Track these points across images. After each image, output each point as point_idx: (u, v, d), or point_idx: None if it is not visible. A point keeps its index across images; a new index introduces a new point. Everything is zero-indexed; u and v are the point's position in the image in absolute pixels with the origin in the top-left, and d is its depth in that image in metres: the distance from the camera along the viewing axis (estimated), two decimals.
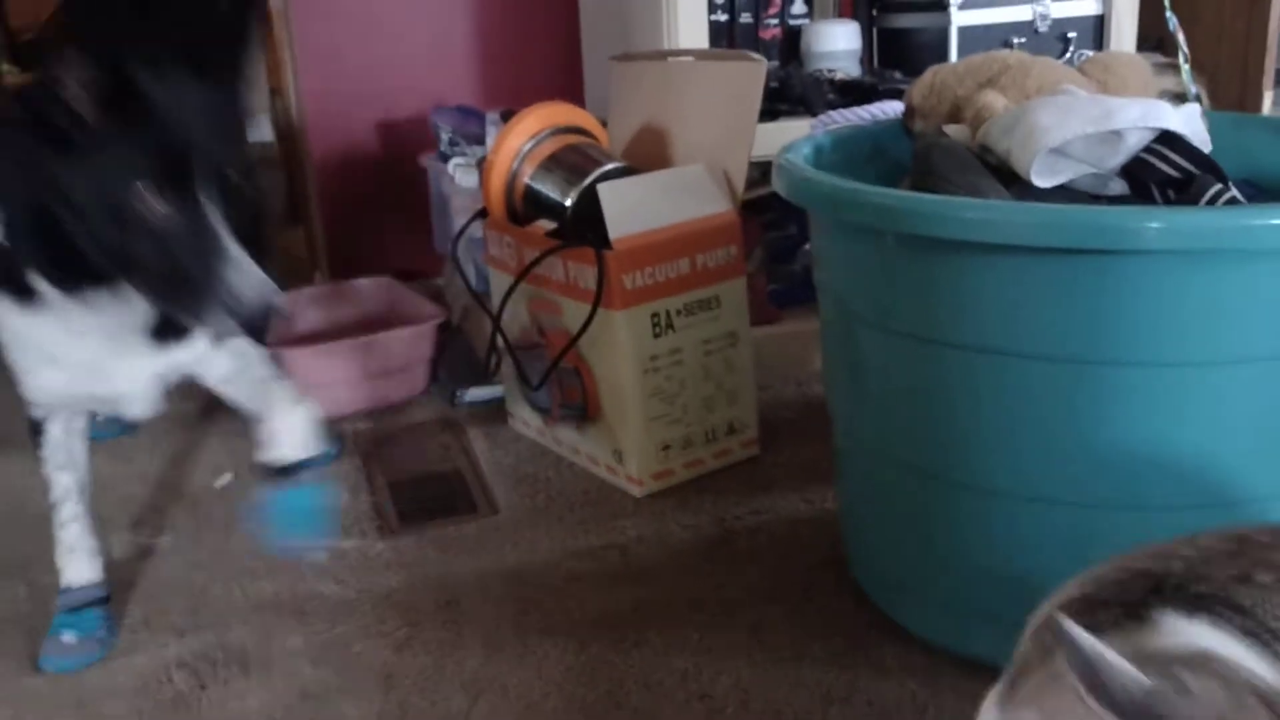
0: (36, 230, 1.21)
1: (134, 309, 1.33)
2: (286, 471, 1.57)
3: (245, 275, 1.18)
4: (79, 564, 1.55)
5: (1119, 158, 1.39)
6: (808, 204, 1.40)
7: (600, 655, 1.46)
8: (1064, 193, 1.38)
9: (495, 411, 2.21)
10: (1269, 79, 2.66)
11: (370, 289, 2.57)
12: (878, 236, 1.29)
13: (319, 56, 2.88)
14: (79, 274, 1.25)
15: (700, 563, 1.67)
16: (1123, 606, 0.76)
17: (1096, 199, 1.39)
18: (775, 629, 1.50)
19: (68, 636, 1.50)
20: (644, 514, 1.82)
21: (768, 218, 2.36)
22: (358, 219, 2.99)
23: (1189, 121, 1.41)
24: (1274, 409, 1.19)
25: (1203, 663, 0.68)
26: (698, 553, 1.70)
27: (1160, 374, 1.16)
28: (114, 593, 1.60)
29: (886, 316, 1.32)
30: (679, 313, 1.85)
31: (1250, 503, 1.19)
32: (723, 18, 2.52)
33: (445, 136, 2.67)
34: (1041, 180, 1.35)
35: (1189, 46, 2.19)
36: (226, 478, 2.00)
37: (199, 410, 2.26)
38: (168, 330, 1.38)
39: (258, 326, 1.19)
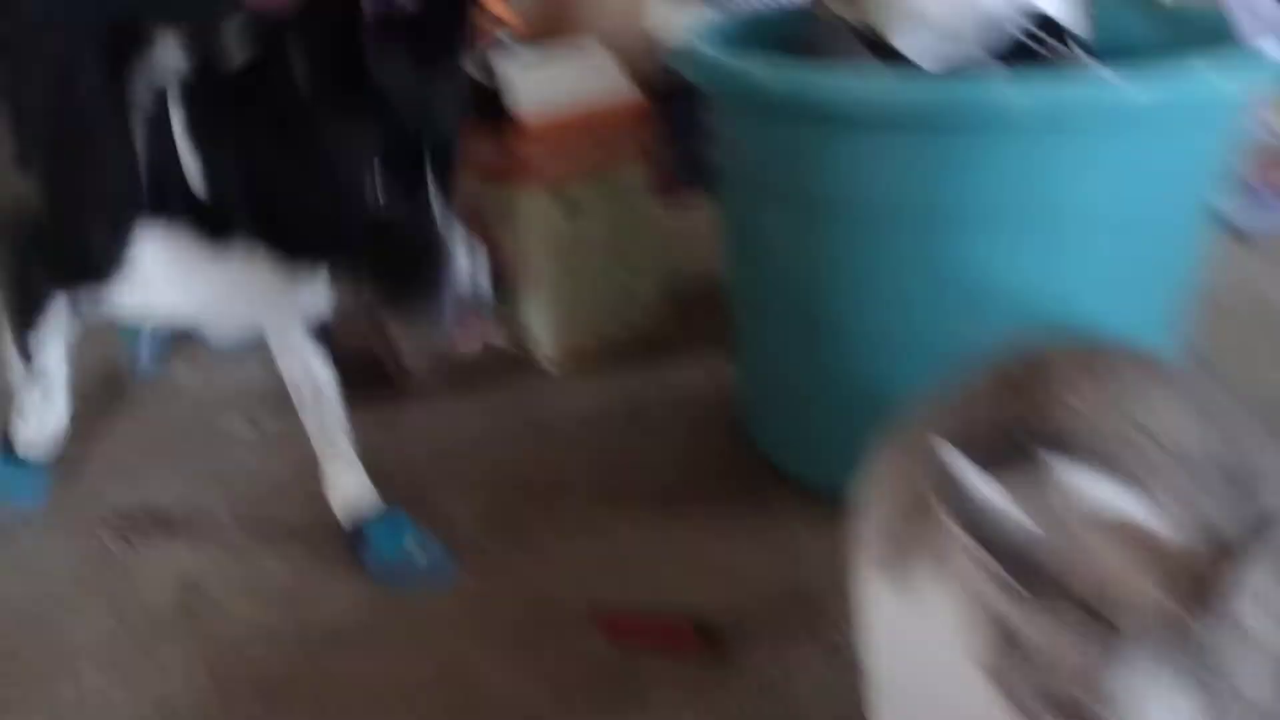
0: (256, 202, 1.17)
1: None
2: (357, 536, 1.48)
3: (463, 274, 1.13)
4: (38, 428, 1.56)
5: (995, 40, 1.47)
6: (701, 81, 1.47)
7: (514, 516, 1.56)
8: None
9: None
10: None
11: None
12: (760, 110, 1.37)
13: None
14: (288, 246, 1.21)
15: (612, 433, 1.76)
16: (997, 451, 0.73)
17: None
18: (681, 488, 1.61)
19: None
20: (557, 389, 1.90)
21: (674, 98, 2.40)
22: None
23: (1062, 2, 1.49)
24: (1114, 262, 1.31)
25: (1098, 518, 0.66)
26: (609, 423, 1.79)
27: (1006, 232, 1.27)
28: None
29: (771, 184, 1.41)
30: (586, 192, 1.91)
31: None
32: None
33: None
34: (903, 44, 1.42)
35: None
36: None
37: None
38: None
39: (460, 323, 1.15)
